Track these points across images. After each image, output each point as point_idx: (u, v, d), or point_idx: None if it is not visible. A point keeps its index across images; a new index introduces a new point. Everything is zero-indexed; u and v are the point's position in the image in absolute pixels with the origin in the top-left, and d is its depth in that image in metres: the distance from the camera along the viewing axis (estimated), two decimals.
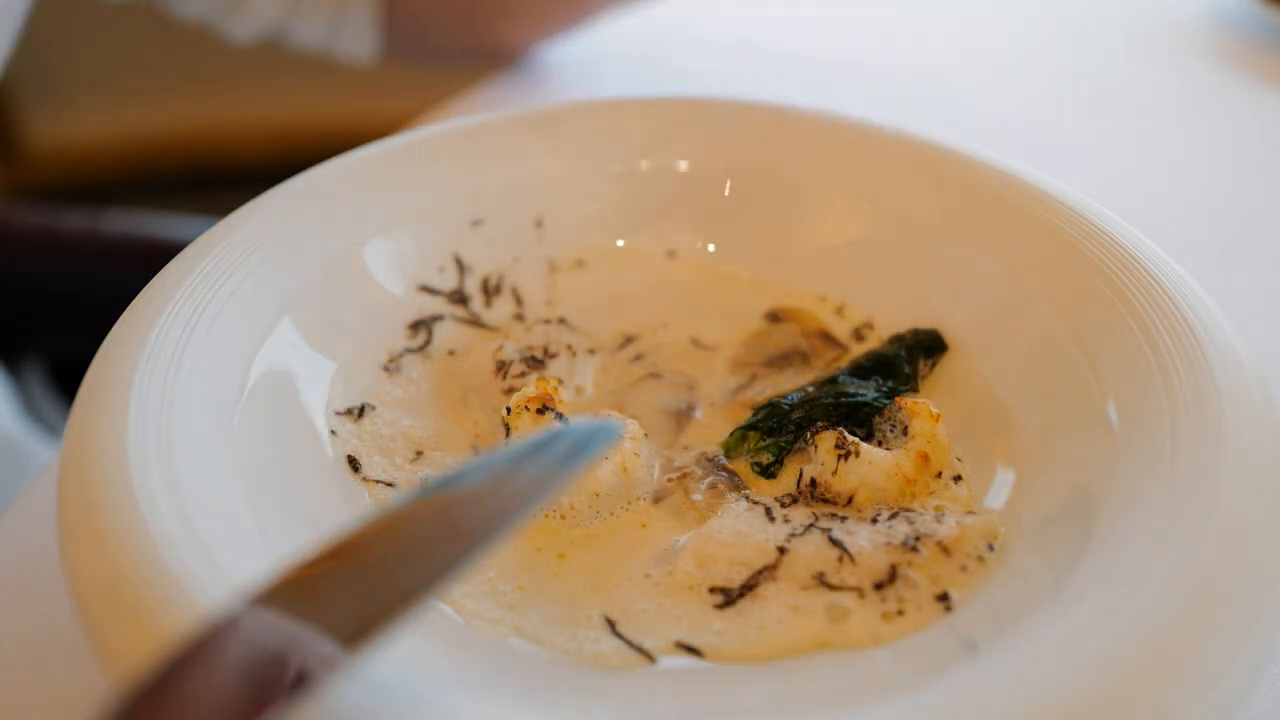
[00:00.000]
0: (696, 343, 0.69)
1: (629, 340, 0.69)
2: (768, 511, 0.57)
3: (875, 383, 0.63)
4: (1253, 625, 0.43)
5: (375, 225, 0.68)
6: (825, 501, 0.58)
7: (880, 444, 0.60)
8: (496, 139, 0.74)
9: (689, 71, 1.12)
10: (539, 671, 0.49)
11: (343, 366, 0.63)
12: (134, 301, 0.58)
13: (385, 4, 1.08)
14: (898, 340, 0.66)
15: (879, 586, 0.52)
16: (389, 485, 0.58)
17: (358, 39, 1.09)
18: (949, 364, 0.65)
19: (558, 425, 0.58)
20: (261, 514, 0.51)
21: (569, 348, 0.68)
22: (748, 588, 0.53)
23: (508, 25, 1.08)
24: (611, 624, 0.51)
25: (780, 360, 0.68)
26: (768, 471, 0.60)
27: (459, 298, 0.70)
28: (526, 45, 1.11)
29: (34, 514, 0.68)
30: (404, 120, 0.91)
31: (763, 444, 0.61)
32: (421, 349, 0.67)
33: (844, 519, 0.56)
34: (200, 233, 0.63)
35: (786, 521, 0.56)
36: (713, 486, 0.60)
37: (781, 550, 0.54)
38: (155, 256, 0.63)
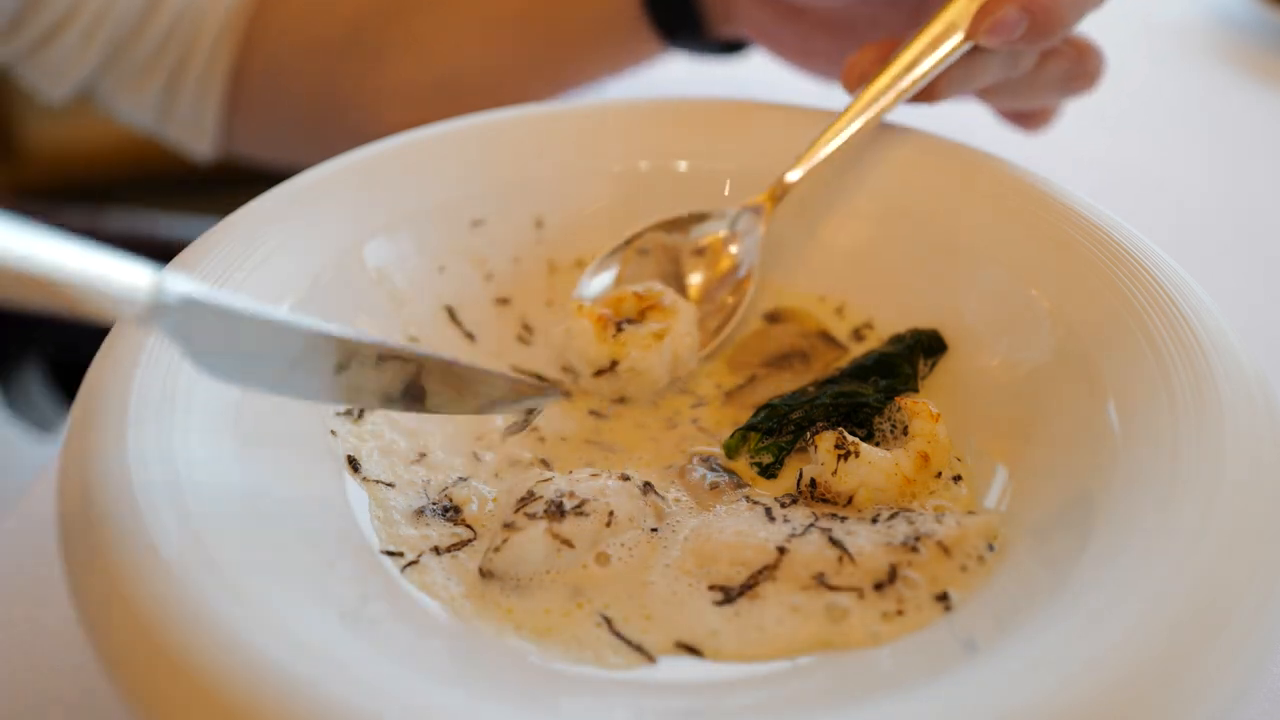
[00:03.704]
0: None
1: None
2: (768, 512, 0.57)
3: (875, 383, 0.63)
4: (1252, 626, 0.43)
5: (375, 225, 0.68)
6: (825, 501, 0.58)
7: (880, 444, 0.60)
8: (496, 139, 0.74)
9: (687, 73, 1.12)
10: (539, 671, 0.49)
11: None
12: None
13: (230, 88, 0.97)
14: (898, 340, 0.66)
15: (879, 586, 0.52)
16: (389, 485, 0.58)
17: (193, 129, 0.98)
18: (949, 364, 0.65)
19: None
20: (262, 514, 0.51)
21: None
22: (747, 587, 0.53)
23: (360, 118, 0.95)
24: (611, 624, 0.51)
25: (780, 360, 0.68)
26: (768, 471, 0.60)
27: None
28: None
29: (34, 514, 0.68)
30: None
31: (763, 444, 0.61)
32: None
33: (844, 519, 0.56)
34: (200, 233, 0.63)
35: (786, 521, 0.56)
36: (713, 486, 0.60)
37: (781, 550, 0.54)
38: (155, 256, 0.63)
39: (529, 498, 0.56)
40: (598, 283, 0.70)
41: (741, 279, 0.70)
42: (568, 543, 0.54)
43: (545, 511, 0.55)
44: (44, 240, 0.39)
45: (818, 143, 0.69)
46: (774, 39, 0.83)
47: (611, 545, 0.55)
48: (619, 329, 0.65)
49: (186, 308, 0.43)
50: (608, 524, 0.55)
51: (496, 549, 0.54)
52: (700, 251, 0.71)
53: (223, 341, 0.45)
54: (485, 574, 0.54)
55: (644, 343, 0.64)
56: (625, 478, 0.57)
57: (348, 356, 0.50)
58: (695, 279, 0.71)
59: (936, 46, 0.68)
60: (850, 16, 0.79)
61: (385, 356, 0.51)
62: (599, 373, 0.65)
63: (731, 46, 0.91)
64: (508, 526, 0.55)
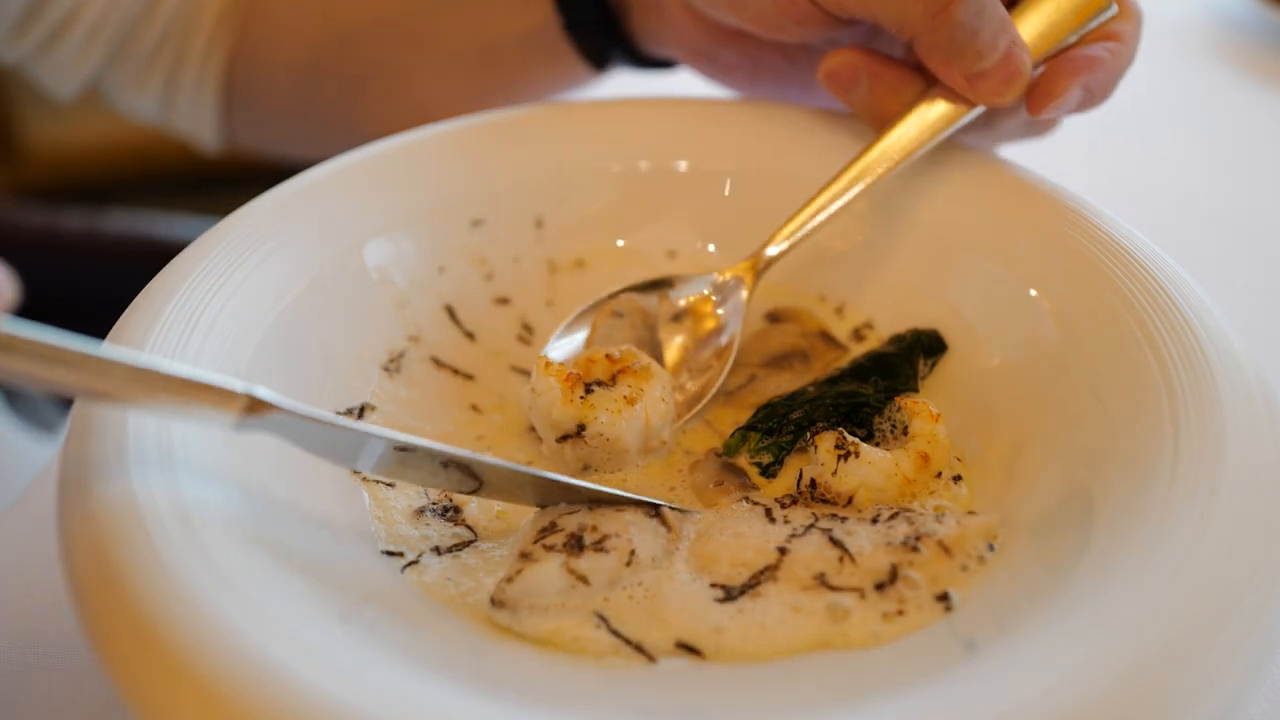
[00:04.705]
0: None
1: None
2: (768, 512, 0.57)
3: (875, 383, 0.63)
4: (1253, 625, 0.43)
5: (375, 225, 0.68)
6: (825, 502, 0.58)
7: (880, 444, 0.60)
8: (496, 139, 0.74)
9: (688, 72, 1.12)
10: (539, 671, 0.49)
11: (343, 366, 0.63)
12: (135, 301, 0.58)
13: (224, 88, 0.99)
14: (898, 340, 0.66)
15: (880, 586, 0.52)
16: (389, 485, 0.58)
17: (195, 122, 1.01)
18: (949, 364, 0.65)
19: None
20: (261, 513, 0.51)
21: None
22: (749, 588, 0.53)
23: (349, 120, 0.97)
24: (612, 624, 0.51)
25: (780, 360, 0.68)
26: (768, 471, 0.60)
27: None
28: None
29: (34, 514, 0.68)
30: None
31: (763, 444, 0.61)
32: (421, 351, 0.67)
33: (844, 519, 0.56)
34: (200, 233, 0.63)
35: (787, 522, 0.56)
36: (719, 484, 0.60)
37: (782, 551, 0.54)
38: (155, 256, 0.63)
39: (550, 528, 0.55)
40: (568, 344, 0.67)
41: (723, 348, 0.67)
42: (583, 579, 0.52)
43: (564, 545, 0.53)
44: (148, 362, 0.47)
45: (801, 214, 0.66)
46: (713, 62, 0.79)
47: (629, 585, 0.53)
48: (588, 390, 0.60)
49: (272, 424, 0.49)
50: (628, 563, 0.53)
51: (509, 579, 0.52)
52: (678, 316, 0.68)
53: (308, 440, 0.51)
54: (497, 603, 0.52)
55: (615, 406, 0.60)
56: (653, 513, 0.56)
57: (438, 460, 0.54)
58: (673, 344, 0.68)
59: (935, 112, 0.66)
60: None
61: (448, 463, 0.54)
62: (564, 438, 0.60)
63: (666, 63, 0.85)
64: (524, 556, 0.53)
